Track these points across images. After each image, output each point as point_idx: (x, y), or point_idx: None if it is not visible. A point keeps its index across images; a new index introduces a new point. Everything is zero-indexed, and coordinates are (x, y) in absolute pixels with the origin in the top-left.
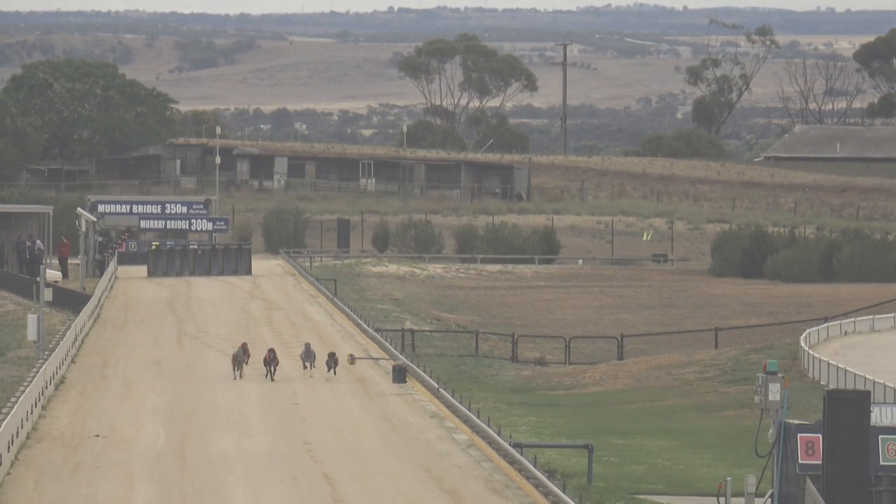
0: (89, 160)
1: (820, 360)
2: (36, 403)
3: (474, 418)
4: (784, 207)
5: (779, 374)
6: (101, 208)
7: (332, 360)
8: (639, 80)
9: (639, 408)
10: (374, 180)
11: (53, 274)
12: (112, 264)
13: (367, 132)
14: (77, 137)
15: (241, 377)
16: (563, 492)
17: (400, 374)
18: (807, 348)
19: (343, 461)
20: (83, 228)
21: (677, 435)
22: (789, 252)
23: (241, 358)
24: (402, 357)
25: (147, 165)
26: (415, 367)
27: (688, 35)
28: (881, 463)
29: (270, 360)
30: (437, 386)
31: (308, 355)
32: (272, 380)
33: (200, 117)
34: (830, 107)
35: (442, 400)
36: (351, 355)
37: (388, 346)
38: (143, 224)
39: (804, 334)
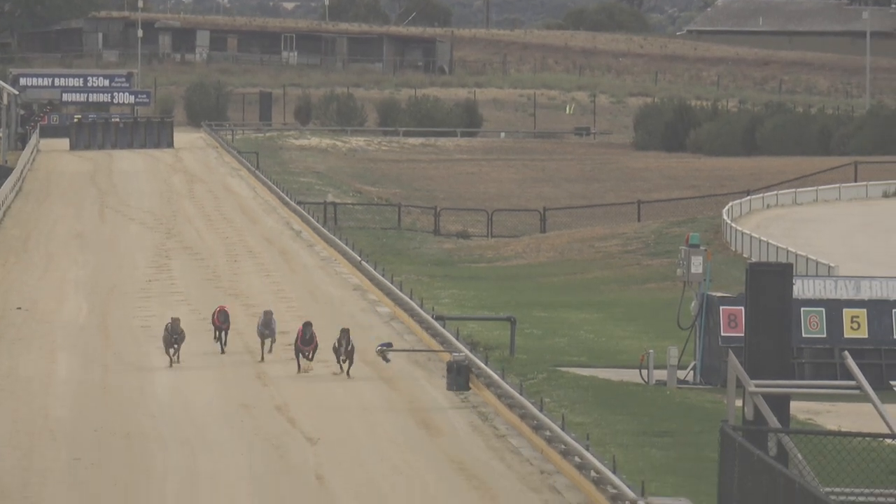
0: (11, 33)
1: (742, 233)
2: None
3: (397, 291)
4: (706, 81)
5: (701, 247)
6: (22, 81)
7: (344, 344)
8: None
9: (561, 280)
10: (296, 53)
11: None
12: (34, 137)
13: (289, 5)
14: None
15: (177, 360)
16: (486, 364)
17: (460, 377)
18: (729, 221)
19: None
20: (5, 101)
21: (600, 307)
22: (712, 125)
23: (176, 336)
24: (462, 346)
25: (69, 39)
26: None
27: None
28: (803, 335)
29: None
30: (359, 258)
31: (267, 327)
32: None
33: None
34: None
35: (364, 272)
36: (382, 347)
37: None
38: (65, 97)
39: (727, 207)
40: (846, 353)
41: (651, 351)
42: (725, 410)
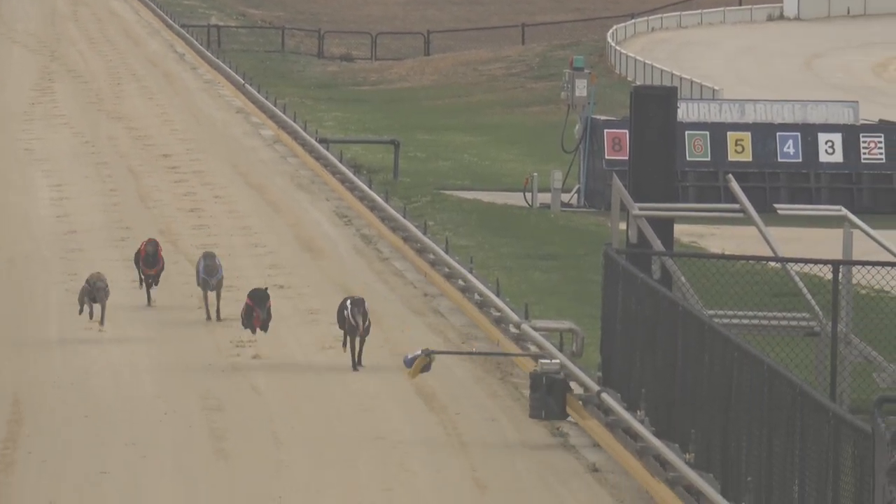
0: None
1: (627, 56)
2: None
3: (280, 114)
4: None
5: (585, 70)
6: None
7: (361, 319)
8: None
9: (445, 104)
10: None
11: None
12: None
13: None
14: None
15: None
16: (370, 187)
17: (551, 399)
18: (614, 44)
19: (148, 154)
20: None
21: (484, 130)
22: None
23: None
24: (554, 349)
25: None
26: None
27: None
28: (688, 158)
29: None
30: (242, 81)
31: (211, 275)
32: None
33: None
34: None
35: (248, 95)
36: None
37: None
38: None
39: (611, 30)
40: (730, 176)
41: (535, 174)
42: (609, 233)
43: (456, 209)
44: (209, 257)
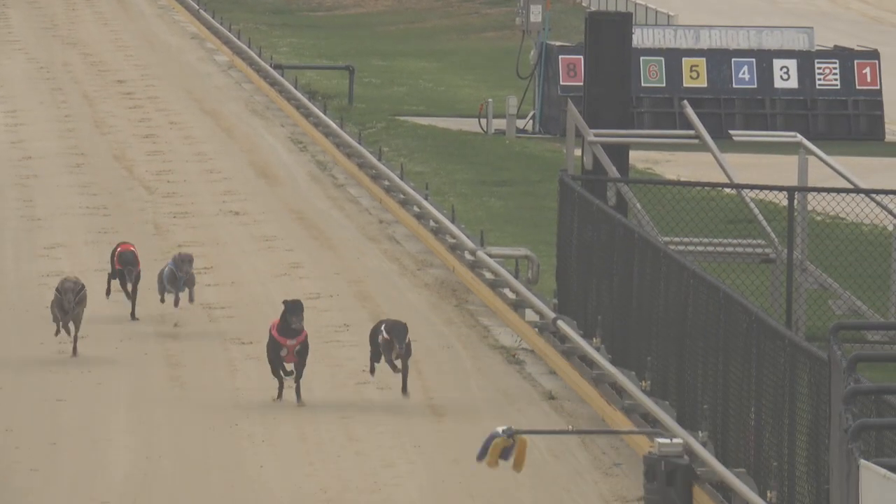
0: None
1: None
2: None
3: (235, 39)
4: None
5: None
6: None
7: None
8: None
9: (400, 29)
10: None
11: None
12: None
13: None
14: None
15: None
16: (324, 113)
17: (674, 489)
18: None
19: (103, 80)
20: None
21: (439, 56)
22: None
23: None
24: (678, 428)
25: None
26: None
27: None
28: (643, 85)
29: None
30: (197, 7)
31: (181, 269)
32: None
33: None
34: None
35: (202, 21)
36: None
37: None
38: None
39: None
40: (685, 102)
41: (490, 100)
42: (564, 160)
43: (411, 135)
44: (184, 262)
